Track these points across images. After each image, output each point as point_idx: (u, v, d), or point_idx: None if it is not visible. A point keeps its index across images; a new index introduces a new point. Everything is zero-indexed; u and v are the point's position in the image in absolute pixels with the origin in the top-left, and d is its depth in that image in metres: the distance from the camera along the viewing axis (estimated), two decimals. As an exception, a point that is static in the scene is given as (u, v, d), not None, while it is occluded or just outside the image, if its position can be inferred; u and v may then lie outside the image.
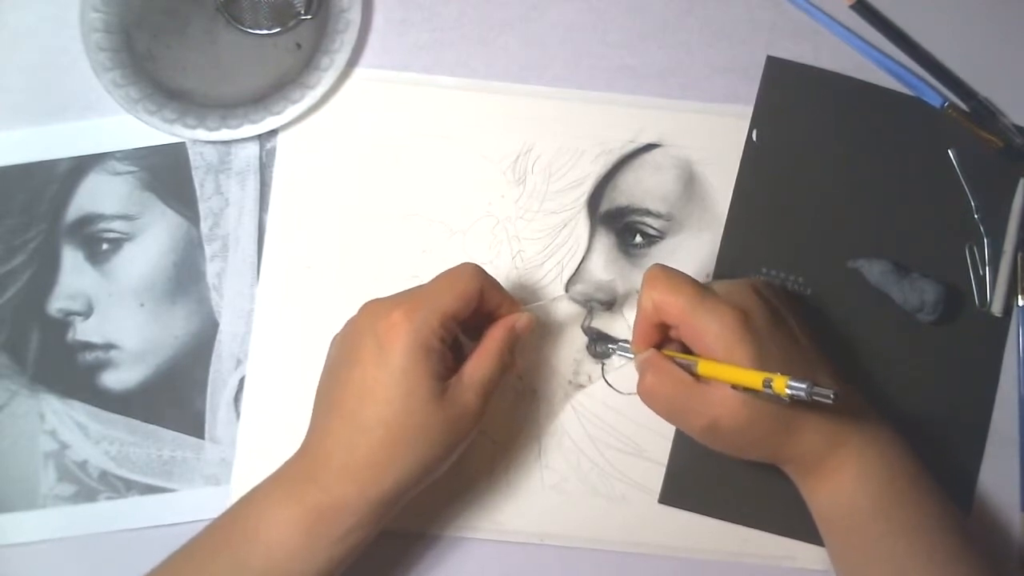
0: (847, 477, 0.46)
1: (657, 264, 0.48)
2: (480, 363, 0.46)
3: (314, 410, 0.46)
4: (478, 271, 0.47)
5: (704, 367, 0.45)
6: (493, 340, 0.47)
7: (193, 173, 0.56)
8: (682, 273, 0.47)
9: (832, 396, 0.39)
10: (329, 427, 0.44)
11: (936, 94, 0.56)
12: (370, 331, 0.44)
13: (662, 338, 0.48)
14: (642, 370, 0.48)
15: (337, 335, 0.47)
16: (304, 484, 0.43)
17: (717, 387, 0.44)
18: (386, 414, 0.42)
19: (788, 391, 0.40)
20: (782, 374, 0.40)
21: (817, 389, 0.39)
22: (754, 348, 0.44)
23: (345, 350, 0.45)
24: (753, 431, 0.45)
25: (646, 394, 0.47)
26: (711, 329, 0.44)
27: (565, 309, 0.54)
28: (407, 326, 0.43)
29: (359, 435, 0.43)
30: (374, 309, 0.45)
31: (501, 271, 0.54)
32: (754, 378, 0.42)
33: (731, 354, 0.44)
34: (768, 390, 0.41)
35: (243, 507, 0.44)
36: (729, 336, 0.44)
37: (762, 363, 0.43)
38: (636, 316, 0.48)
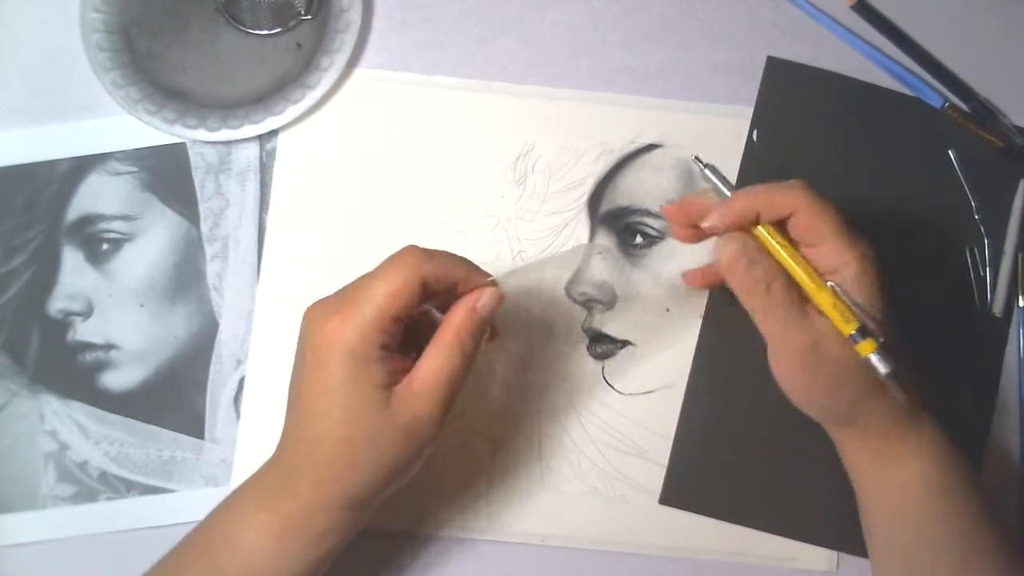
0: (908, 467, 0.44)
1: None
2: (434, 361, 0.41)
3: (286, 413, 0.44)
4: (415, 259, 0.41)
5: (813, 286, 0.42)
6: (449, 329, 0.42)
7: (193, 173, 0.56)
8: None
9: (903, 399, 0.41)
10: (294, 435, 0.43)
11: (936, 94, 0.56)
12: (308, 344, 0.41)
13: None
14: (742, 243, 0.43)
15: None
16: (275, 491, 0.42)
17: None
18: (331, 428, 0.41)
19: (873, 356, 0.40)
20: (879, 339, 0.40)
21: (894, 377, 0.40)
22: (879, 296, 0.42)
23: (296, 360, 0.43)
24: (847, 370, 0.42)
25: (744, 268, 0.42)
26: (850, 255, 0.41)
27: (565, 309, 0.54)
28: (339, 339, 0.40)
29: (314, 447, 0.41)
30: (312, 317, 0.42)
31: (501, 271, 0.54)
32: (849, 323, 0.41)
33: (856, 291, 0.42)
34: (853, 340, 0.40)
35: (219, 515, 0.43)
36: (867, 273, 0.42)
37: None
38: (751, 189, 0.43)
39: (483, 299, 0.43)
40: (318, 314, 0.42)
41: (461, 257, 0.43)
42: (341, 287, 0.43)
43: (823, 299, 0.42)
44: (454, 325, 0.42)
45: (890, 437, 0.44)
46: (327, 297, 0.43)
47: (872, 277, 0.42)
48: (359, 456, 0.41)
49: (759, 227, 0.43)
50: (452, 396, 0.42)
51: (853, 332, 0.41)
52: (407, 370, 0.42)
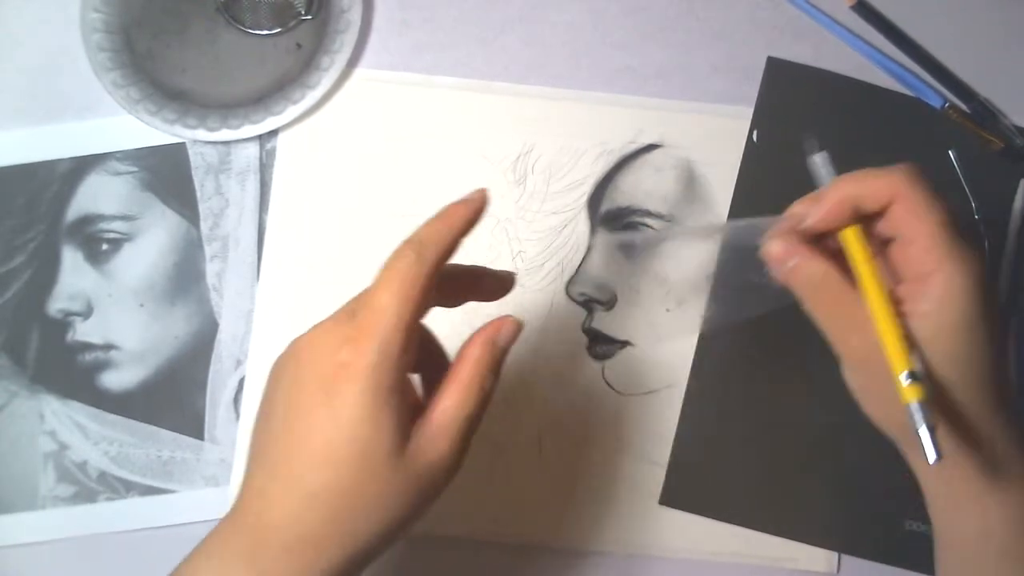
0: (993, 511, 0.38)
1: None
2: (455, 398, 0.36)
3: (248, 462, 0.36)
4: (410, 258, 0.35)
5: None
6: (467, 365, 0.36)
7: (193, 173, 0.56)
8: None
9: (933, 458, 0.33)
10: (269, 492, 0.35)
11: (936, 95, 0.56)
12: (313, 375, 0.34)
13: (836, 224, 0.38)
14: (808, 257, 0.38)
15: (272, 372, 0.37)
16: (239, 562, 0.35)
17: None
18: (337, 481, 0.34)
19: (910, 404, 0.34)
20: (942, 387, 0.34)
21: (930, 437, 0.33)
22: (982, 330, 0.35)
23: (282, 394, 0.35)
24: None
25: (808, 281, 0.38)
26: (943, 263, 0.35)
27: (565, 310, 0.54)
28: (361, 364, 0.33)
29: (304, 505, 0.34)
30: (312, 346, 0.35)
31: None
32: (906, 360, 0.34)
33: (952, 311, 0.35)
34: (904, 381, 0.34)
35: None
36: (955, 298, 0.35)
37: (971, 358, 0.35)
38: (849, 176, 0.38)
39: (505, 330, 0.38)
40: (320, 341, 0.35)
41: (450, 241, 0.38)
42: (327, 315, 0.36)
43: (883, 323, 0.36)
44: (472, 360, 0.36)
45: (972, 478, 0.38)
46: (320, 324, 0.36)
47: (962, 303, 0.35)
48: (360, 515, 0.34)
49: (849, 230, 0.38)
50: (469, 440, 0.36)
51: (905, 371, 0.35)
52: (417, 407, 0.36)
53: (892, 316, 0.36)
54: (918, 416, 0.34)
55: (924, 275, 0.36)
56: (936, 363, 0.36)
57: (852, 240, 0.38)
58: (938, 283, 0.36)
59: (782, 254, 0.38)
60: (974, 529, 0.38)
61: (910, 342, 0.35)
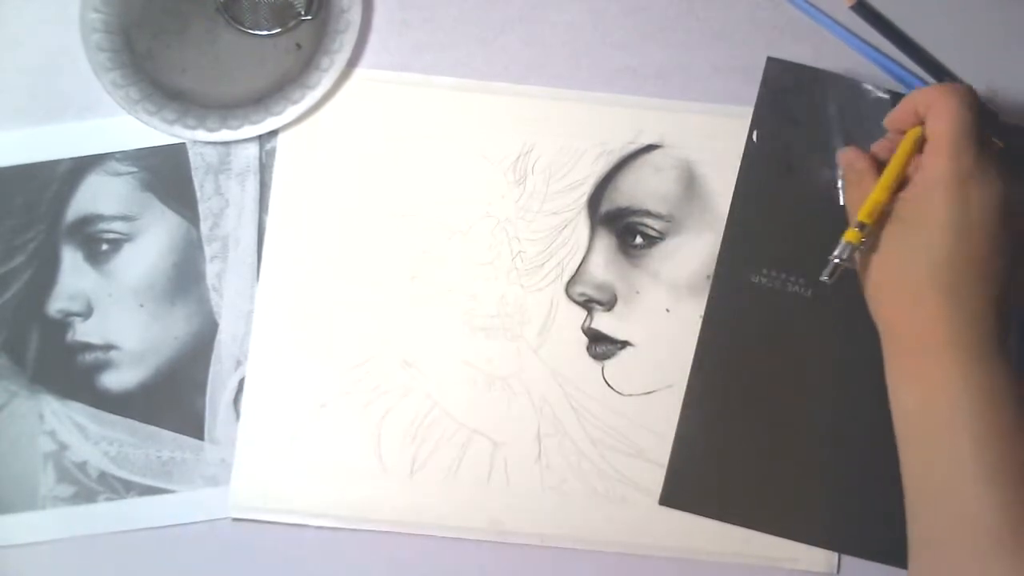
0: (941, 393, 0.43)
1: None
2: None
3: None
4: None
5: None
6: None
7: (193, 174, 0.56)
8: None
9: (824, 278, 0.45)
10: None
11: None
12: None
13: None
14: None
15: None
16: None
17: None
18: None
19: (846, 241, 0.45)
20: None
21: (832, 266, 0.45)
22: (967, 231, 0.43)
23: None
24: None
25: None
26: (933, 168, 0.44)
27: (565, 310, 0.54)
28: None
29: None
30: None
31: (501, 272, 0.54)
32: (866, 214, 0.45)
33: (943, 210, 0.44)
34: (852, 226, 0.45)
35: None
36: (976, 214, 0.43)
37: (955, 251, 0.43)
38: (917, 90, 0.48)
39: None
40: None
41: None
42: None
43: (871, 194, 0.46)
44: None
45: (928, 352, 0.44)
46: None
47: (935, 202, 0.44)
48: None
49: (909, 131, 0.47)
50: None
51: (857, 221, 0.45)
52: None
53: (881, 189, 0.46)
54: (838, 249, 0.45)
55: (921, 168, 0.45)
56: (901, 247, 0.45)
57: (905, 138, 0.47)
58: (917, 180, 0.45)
59: (851, 156, 0.50)
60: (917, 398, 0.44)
61: (878, 208, 0.46)
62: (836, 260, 0.45)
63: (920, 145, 0.47)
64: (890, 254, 0.45)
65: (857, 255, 0.47)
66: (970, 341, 0.43)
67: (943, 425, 0.42)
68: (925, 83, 0.56)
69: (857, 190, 0.48)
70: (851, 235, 0.45)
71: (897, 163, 0.47)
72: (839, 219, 0.54)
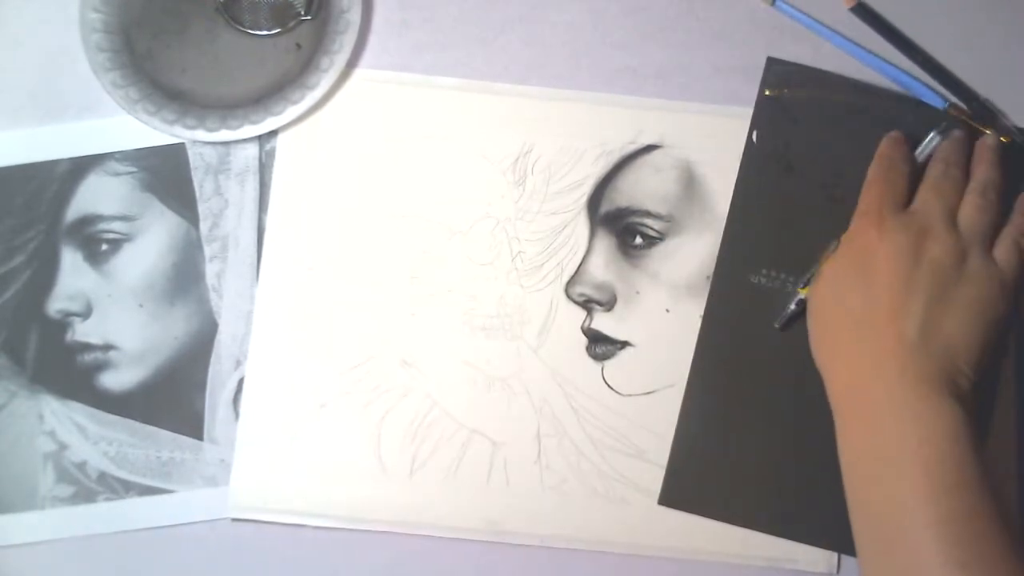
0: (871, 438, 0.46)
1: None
2: None
3: None
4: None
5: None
6: None
7: (192, 174, 0.56)
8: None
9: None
10: None
11: (937, 96, 0.56)
12: None
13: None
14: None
15: None
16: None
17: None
18: None
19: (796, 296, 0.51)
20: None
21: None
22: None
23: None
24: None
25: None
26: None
27: (564, 310, 0.54)
28: None
29: None
30: None
31: (501, 272, 0.54)
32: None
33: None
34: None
35: None
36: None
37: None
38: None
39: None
40: None
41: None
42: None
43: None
44: None
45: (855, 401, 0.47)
46: None
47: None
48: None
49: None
50: None
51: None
52: None
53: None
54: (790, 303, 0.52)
55: None
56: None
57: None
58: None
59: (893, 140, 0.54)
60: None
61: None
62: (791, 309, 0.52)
63: None
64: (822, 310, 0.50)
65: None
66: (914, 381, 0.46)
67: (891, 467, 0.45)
68: (925, 84, 0.56)
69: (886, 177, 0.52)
70: (803, 291, 0.52)
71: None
72: (839, 219, 0.54)
